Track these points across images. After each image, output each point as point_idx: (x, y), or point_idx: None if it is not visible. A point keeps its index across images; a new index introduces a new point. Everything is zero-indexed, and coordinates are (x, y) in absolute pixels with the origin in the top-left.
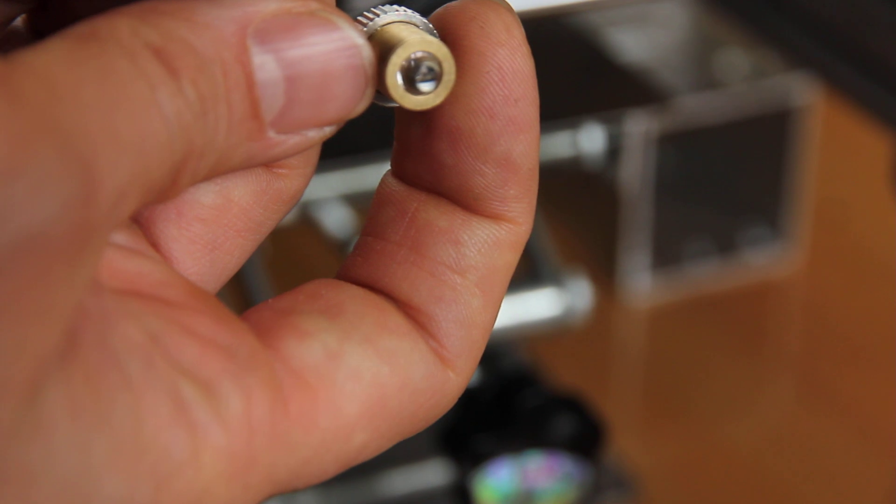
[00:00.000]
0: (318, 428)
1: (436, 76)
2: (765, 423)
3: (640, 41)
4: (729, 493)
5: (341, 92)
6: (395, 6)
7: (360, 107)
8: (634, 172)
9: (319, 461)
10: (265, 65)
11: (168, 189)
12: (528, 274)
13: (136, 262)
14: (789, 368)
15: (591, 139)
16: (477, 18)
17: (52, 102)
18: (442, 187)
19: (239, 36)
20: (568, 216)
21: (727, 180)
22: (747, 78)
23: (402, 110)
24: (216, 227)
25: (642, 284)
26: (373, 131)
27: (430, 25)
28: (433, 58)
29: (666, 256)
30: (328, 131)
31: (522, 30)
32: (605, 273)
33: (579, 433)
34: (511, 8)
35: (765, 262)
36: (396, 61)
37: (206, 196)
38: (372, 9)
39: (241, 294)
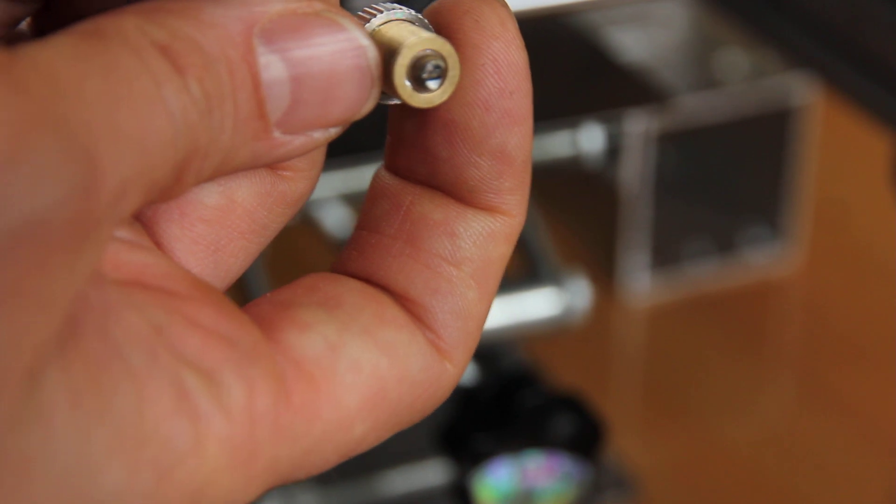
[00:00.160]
0: (320, 419)
1: (442, 73)
2: (764, 423)
3: (639, 41)
4: (729, 492)
5: (347, 92)
6: (390, 3)
7: (366, 108)
8: (634, 172)
9: (321, 452)
10: (271, 64)
11: (172, 187)
12: (527, 273)
13: (140, 254)
14: (789, 368)
15: (590, 139)
16: (471, 12)
17: (55, 94)
18: (436, 180)
19: (245, 35)
20: (567, 216)
21: (727, 180)
22: (747, 77)
23: (398, 105)
24: (219, 228)
25: (642, 284)
26: (372, 131)
27: (426, 21)
28: (438, 55)
29: (665, 256)
30: (333, 132)
31: (516, 23)
32: (604, 273)
33: (579, 433)
34: (504, 2)
35: (764, 262)
36: (403, 62)
37: (209, 197)
38: (367, 8)
39: (241, 294)
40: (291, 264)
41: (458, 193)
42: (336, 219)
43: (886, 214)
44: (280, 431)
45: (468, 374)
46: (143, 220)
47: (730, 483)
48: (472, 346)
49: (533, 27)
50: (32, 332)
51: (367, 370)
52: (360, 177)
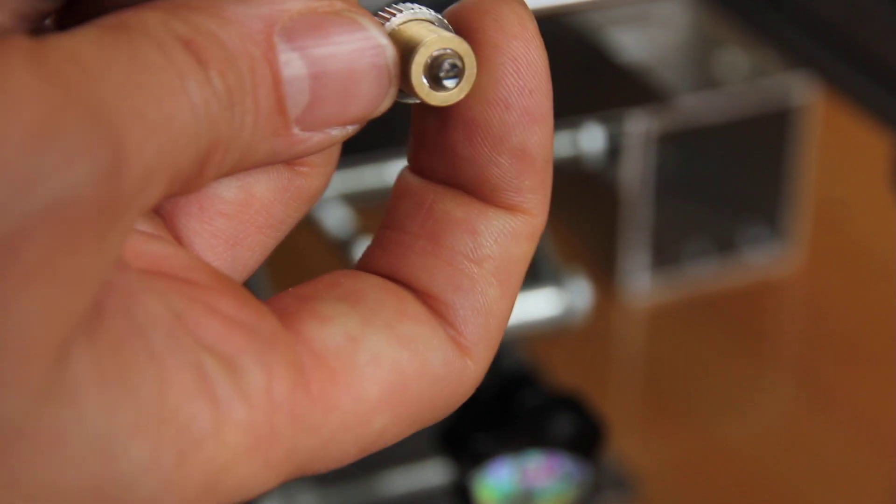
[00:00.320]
0: (339, 409)
1: (458, 72)
2: (764, 423)
3: (640, 41)
4: (729, 492)
5: (365, 90)
6: (410, 4)
7: (384, 105)
8: (634, 172)
9: (339, 443)
10: (291, 62)
11: (193, 180)
12: (528, 273)
13: (161, 245)
14: (789, 368)
15: (591, 139)
16: (491, 12)
17: (83, 78)
18: (458, 179)
19: (266, 33)
20: (568, 216)
21: (727, 180)
22: (747, 78)
23: (418, 104)
24: (238, 222)
25: (642, 284)
26: (374, 131)
27: (446, 21)
28: (455, 54)
29: (665, 256)
30: (351, 130)
31: (535, 23)
32: (604, 273)
33: (579, 433)
34: (524, 2)
35: (764, 262)
36: (420, 60)
37: (228, 191)
38: (387, 7)
39: None
40: (292, 264)
41: (480, 192)
42: (337, 219)
43: (886, 214)
44: (298, 420)
45: None
46: (163, 215)
47: (730, 483)
48: (493, 343)
49: (539, 32)
50: (62, 309)
51: (387, 363)
52: (361, 177)
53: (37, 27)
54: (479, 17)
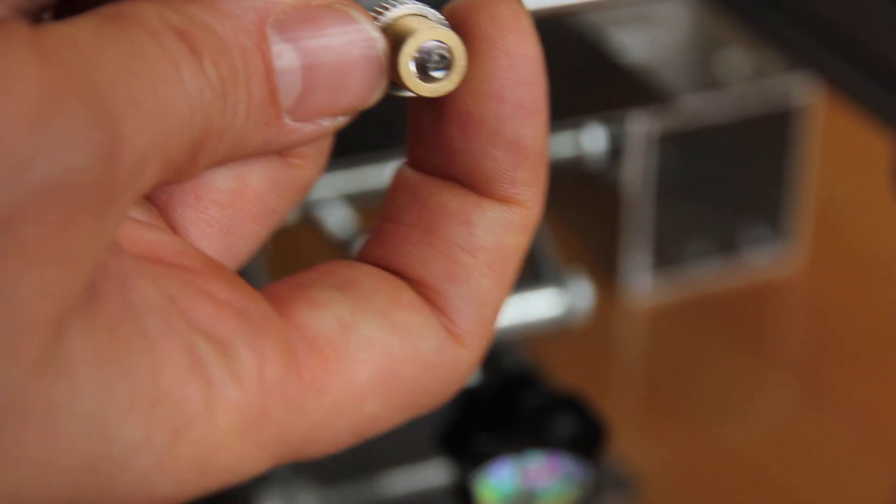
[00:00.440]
0: (330, 394)
1: (447, 63)
2: (765, 423)
3: (641, 41)
4: (729, 492)
5: (357, 82)
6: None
7: (375, 97)
8: (636, 172)
9: (331, 427)
10: (284, 53)
11: (187, 167)
12: (529, 274)
13: (156, 233)
14: (790, 368)
15: (592, 139)
16: (487, 8)
17: (80, 63)
18: (454, 172)
19: (259, 25)
20: (569, 216)
21: (728, 180)
22: (748, 78)
23: (415, 98)
24: (232, 211)
25: (643, 284)
26: (375, 131)
27: (442, 17)
28: (444, 45)
29: (667, 256)
30: (342, 121)
31: (531, 19)
32: (606, 273)
33: (580, 433)
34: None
35: (765, 263)
36: (408, 51)
37: (223, 181)
38: (384, 2)
39: None
40: (292, 264)
41: (475, 184)
42: (337, 219)
43: (887, 215)
44: (290, 403)
45: None
46: (158, 205)
47: (731, 483)
48: (487, 333)
49: (534, 28)
50: (60, 285)
51: (378, 349)
52: (362, 177)
53: (35, 21)
54: (474, 12)
